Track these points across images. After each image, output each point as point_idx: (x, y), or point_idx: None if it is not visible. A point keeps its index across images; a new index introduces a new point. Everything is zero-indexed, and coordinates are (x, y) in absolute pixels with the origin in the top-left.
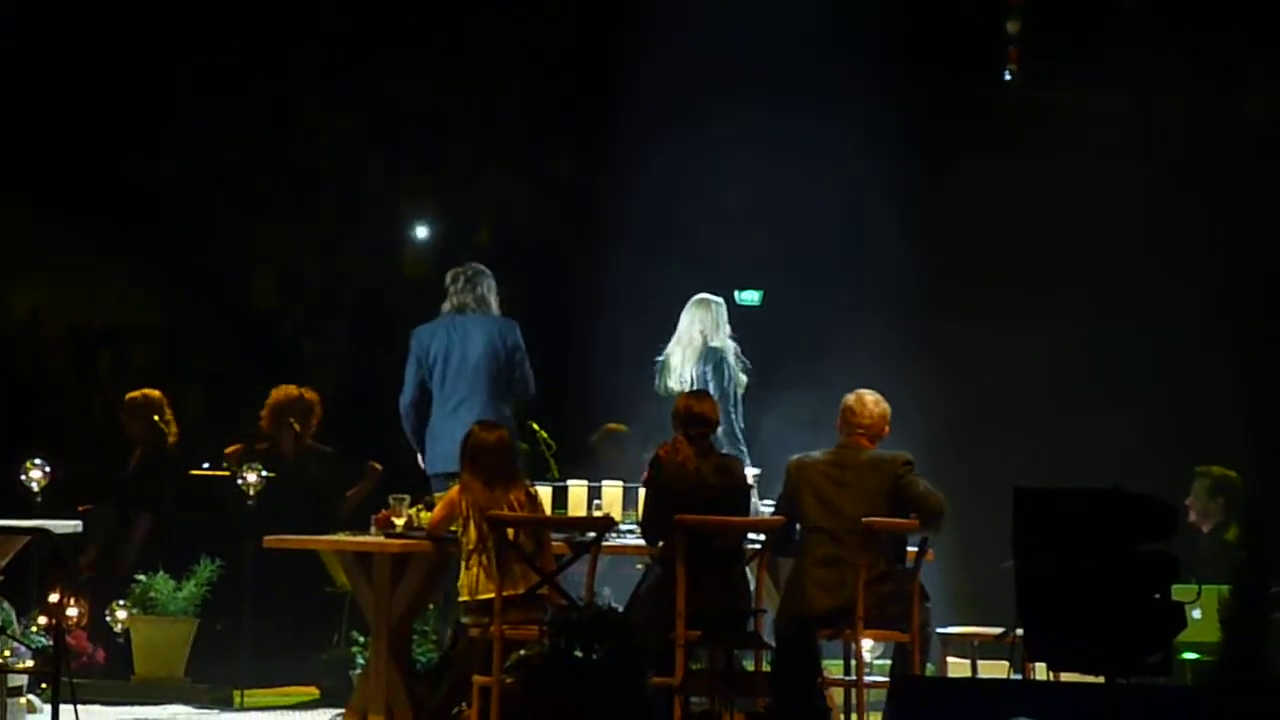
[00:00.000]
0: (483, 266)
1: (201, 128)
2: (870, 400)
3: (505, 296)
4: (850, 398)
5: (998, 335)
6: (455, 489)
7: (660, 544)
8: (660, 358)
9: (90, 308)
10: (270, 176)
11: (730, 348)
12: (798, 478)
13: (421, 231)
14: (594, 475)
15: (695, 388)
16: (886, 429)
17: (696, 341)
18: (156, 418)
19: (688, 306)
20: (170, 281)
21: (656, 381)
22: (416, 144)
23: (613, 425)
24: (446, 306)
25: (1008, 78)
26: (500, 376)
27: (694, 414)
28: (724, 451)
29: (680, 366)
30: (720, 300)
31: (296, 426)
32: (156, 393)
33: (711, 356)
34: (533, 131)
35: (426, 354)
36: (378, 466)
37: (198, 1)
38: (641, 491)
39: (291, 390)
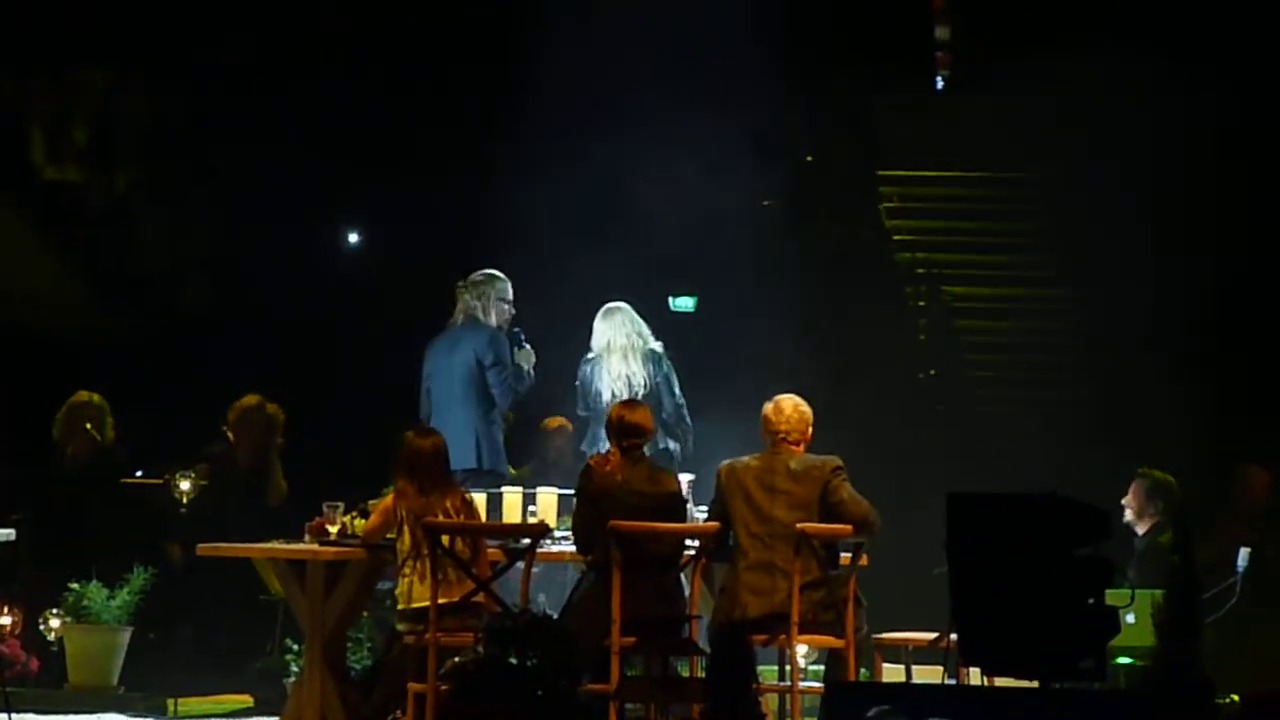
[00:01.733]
0: (491, 273)
1: (134, 131)
2: (788, 406)
3: (434, 303)
4: (768, 405)
5: (933, 342)
6: (390, 496)
7: (592, 552)
8: (587, 368)
9: (18, 310)
10: (202, 181)
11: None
12: (728, 483)
13: (353, 236)
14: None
15: (648, 390)
16: (809, 431)
17: (638, 344)
18: (89, 425)
19: (605, 316)
20: (102, 286)
21: (590, 388)
22: (348, 147)
23: (558, 419)
24: (453, 316)
25: (940, 84)
26: (479, 388)
27: (627, 424)
28: (661, 449)
29: (625, 370)
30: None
31: (231, 436)
32: (97, 397)
33: (657, 358)
34: (461, 135)
35: (426, 365)
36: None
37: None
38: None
39: (251, 400)
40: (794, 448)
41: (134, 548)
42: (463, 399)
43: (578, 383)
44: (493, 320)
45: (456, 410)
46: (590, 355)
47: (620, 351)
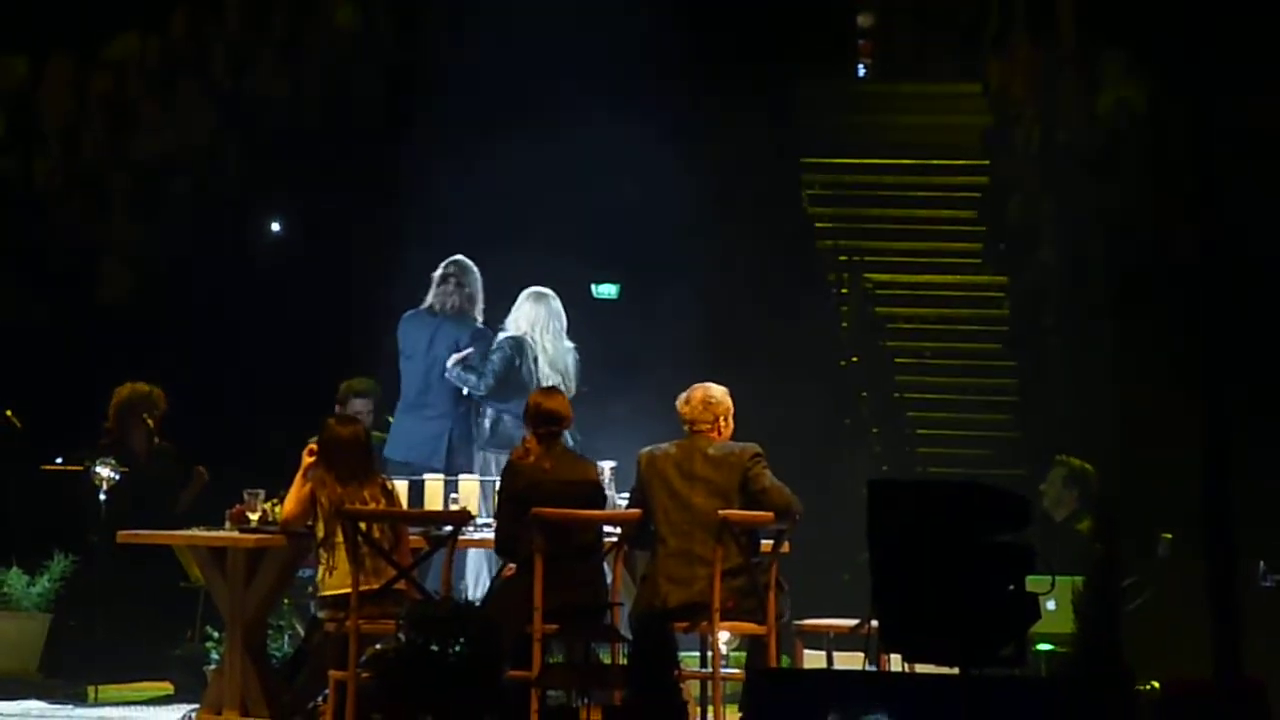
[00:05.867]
0: (469, 264)
1: (54, 122)
2: (696, 395)
3: (361, 292)
4: (682, 395)
5: (854, 328)
6: (305, 483)
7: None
8: (511, 343)
9: None
10: (119, 170)
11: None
12: (648, 470)
13: (275, 225)
14: None
15: (576, 380)
16: (725, 419)
17: (561, 334)
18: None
19: (536, 299)
20: (20, 276)
21: (517, 362)
22: (268, 136)
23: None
24: (430, 301)
25: (862, 72)
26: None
27: (545, 411)
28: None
29: (556, 355)
30: None
31: (150, 422)
32: None
33: (573, 351)
34: (380, 124)
35: (404, 342)
36: (203, 471)
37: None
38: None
39: (141, 387)
40: (711, 435)
41: (54, 534)
42: (434, 394)
43: (493, 357)
44: (479, 315)
45: (426, 405)
46: (515, 334)
47: (553, 336)
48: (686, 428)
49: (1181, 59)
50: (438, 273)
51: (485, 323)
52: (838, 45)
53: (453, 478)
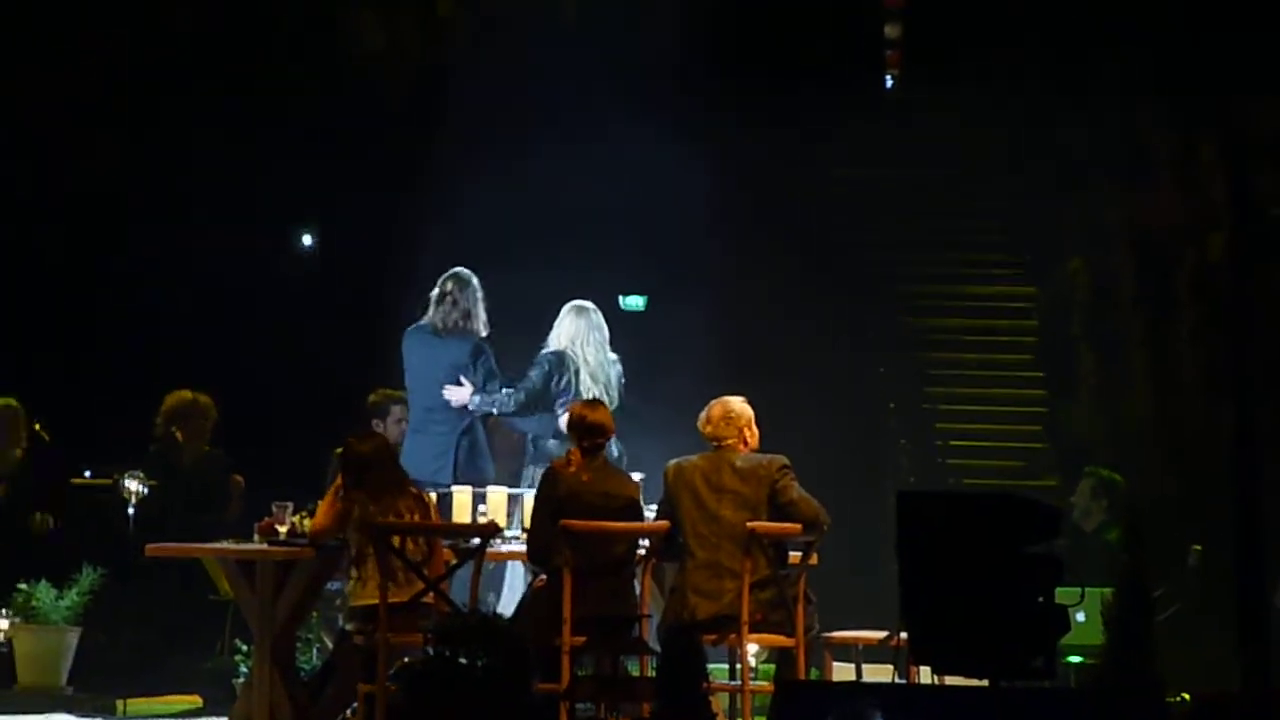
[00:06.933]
0: (467, 275)
1: (76, 136)
2: (716, 411)
3: (386, 304)
4: (701, 415)
5: (883, 339)
6: (335, 498)
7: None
8: (552, 358)
9: None
10: (147, 181)
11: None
12: (675, 483)
13: (306, 238)
14: None
15: (619, 391)
16: (747, 431)
17: (604, 345)
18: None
19: (578, 313)
20: (34, 283)
21: (558, 379)
22: (295, 148)
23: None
24: (430, 317)
25: (889, 84)
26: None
27: (589, 423)
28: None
29: (598, 368)
30: None
31: (179, 435)
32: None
33: (616, 363)
34: (409, 138)
35: (408, 357)
36: (240, 480)
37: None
38: (528, 501)
39: (185, 395)
40: (738, 447)
41: (83, 548)
42: (440, 412)
43: (531, 373)
44: (482, 326)
45: (433, 422)
46: (556, 348)
47: (594, 348)
48: (713, 445)
49: (1209, 66)
50: (435, 290)
51: (493, 335)
52: (865, 56)
53: (481, 489)
